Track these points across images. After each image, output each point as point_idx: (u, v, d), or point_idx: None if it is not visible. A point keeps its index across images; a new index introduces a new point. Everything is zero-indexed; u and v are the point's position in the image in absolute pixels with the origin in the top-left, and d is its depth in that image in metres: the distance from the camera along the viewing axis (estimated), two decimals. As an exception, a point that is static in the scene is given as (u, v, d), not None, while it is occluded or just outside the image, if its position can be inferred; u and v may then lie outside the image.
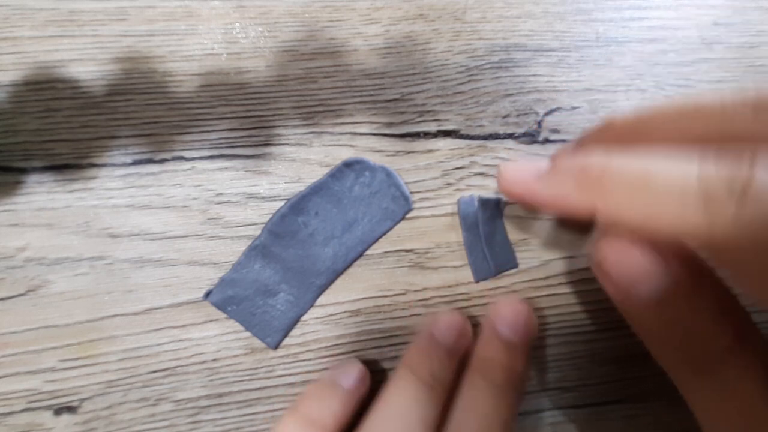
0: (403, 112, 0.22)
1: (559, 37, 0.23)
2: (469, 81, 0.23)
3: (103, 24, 0.20)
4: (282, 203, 0.21)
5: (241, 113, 0.21)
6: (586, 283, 0.23)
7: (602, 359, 0.24)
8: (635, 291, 0.14)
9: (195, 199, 0.21)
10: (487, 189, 0.23)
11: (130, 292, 0.21)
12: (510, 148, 0.23)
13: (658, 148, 0.14)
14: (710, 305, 0.13)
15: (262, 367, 0.21)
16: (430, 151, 0.22)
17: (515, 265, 0.23)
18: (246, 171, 0.21)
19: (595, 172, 0.14)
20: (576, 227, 0.22)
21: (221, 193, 0.21)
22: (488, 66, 0.23)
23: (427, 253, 0.22)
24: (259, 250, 0.21)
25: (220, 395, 0.21)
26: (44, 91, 0.20)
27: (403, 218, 0.22)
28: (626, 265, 0.14)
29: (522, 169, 0.18)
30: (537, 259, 0.23)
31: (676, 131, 0.14)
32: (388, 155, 0.22)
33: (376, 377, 0.21)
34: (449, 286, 0.22)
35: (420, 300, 0.22)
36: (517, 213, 0.23)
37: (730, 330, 0.13)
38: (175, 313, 0.21)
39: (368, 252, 0.22)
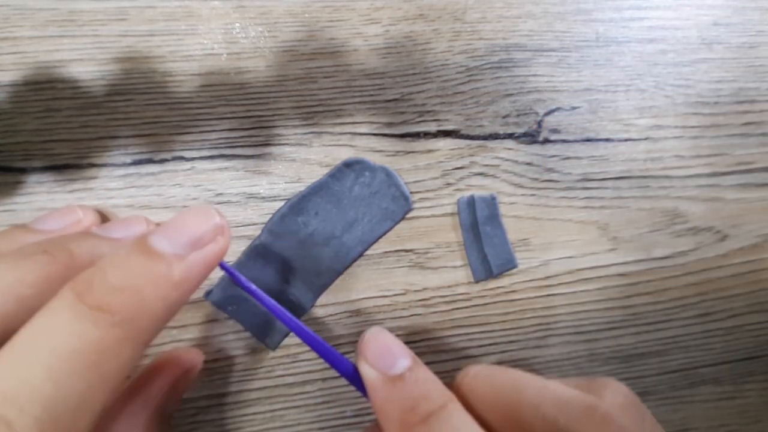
0: (403, 112, 0.22)
1: (559, 37, 0.23)
2: (469, 81, 0.23)
3: (103, 24, 0.20)
4: (282, 203, 0.21)
5: (241, 113, 0.21)
6: (585, 283, 0.23)
7: (602, 359, 0.24)
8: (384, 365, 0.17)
9: (195, 199, 0.21)
10: (487, 189, 0.23)
11: (130, 292, 0.20)
12: (510, 148, 0.23)
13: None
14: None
15: (262, 367, 0.21)
16: (430, 151, 0.22)
17: (515, 265, 0.23)
18: (246, 171, 0.21)
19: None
20: None
21: (221, 193, 0.21)
22: (488, 66, 0.23)
23: (427, 253, 0.22)
24: (259, 250, 0.21)
25: (220, 395, 0.21)
26: (44, 91, 0.20)
27: (403, 218, 0.22)
28: (380, 343, 0.17)
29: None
30: (537, 259, 0.23)
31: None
32: (388, 155, 0.22)
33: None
34: (449, 286, 0.22)
35: (420, 300, 0.22)
36: (516, 213, 0.23)
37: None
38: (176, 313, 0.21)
39: (368, 252, 0.22)
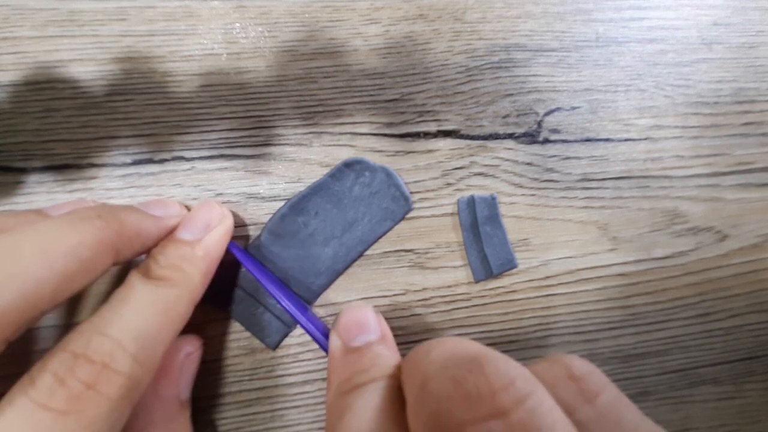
0: (403, 112, 0.22)
1: (559, 37, 0.23)
2: (469, 81, 0.23)
3: (103, 24, 0.20)
4: (282, 203, 0.21)
5: (241, 113, 0.21)
6: (585, 283, 0.23)
7: (602, 359, 0.24)
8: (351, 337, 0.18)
9: (195, 199, 0.21)
10: (487, 189, 0.23)
11: (130, 292, 0.20)
12: (510, 148, 0.23)
13: None
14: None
15: (261, 368, 0.21)
16: (430, 151, 0.22)
17: (515, 265, 0.23)
18: (246, 171, 0.21)
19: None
20: None
21: (221, 193, 0.21)
22: (488, 66, 0.23)
23: (427, 253, 0.22)
24: (258, 250, 0.21)
25: (220, 395, 0.21)
26: (44, 91, 0.20)
27: (403, 218, 0.22)
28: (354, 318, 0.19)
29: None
30: (537, 259, 0.23)
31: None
32: (388, 155, 0.22)
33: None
34: (449, 286, 0.22)
35: (420, 300, 0.22)
36: (516, 213, 0.23)
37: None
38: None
39: (368, 252, 0.22)
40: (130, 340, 0.15)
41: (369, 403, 0.15)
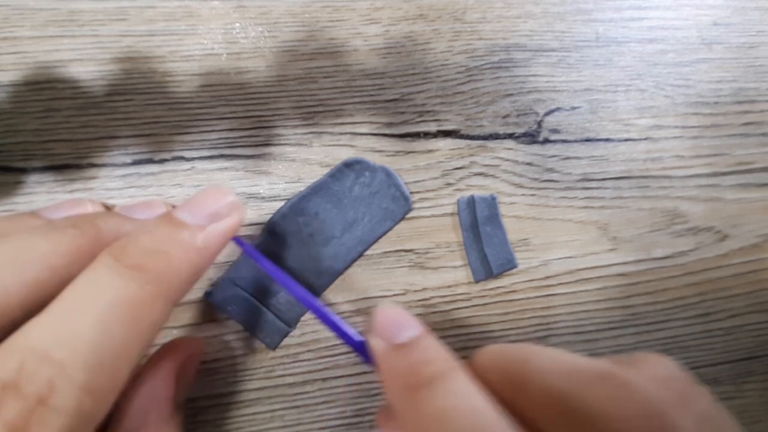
0: (403, 112, 0.22)
1: (559, 37, 0.23)
2: (469, 81, 0.23)
3: (103, 24, 0.20)
4: (282, 203, 0.21)
5: (241, 113, 0.21)
6: (585, 283, 0.23)
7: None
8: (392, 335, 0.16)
9: (195, 199, 0.21)
10: (487, 189, 0.23)
11: (130, 292, 0.20)
12: (510, 148, 0.23)
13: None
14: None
15: (261, 367, 0.21)
16: (430, 151, 0.22)
17: (515, 265, 0.23)
18: (246, 171, 0.21)
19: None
20: None
21: (221, 193, 0.21)
22: (488, 66, 0.23)
23: (427, 253, 0.22)
24: (259, 250, 0.21)
25: (220, 395, 0.21)
26: (44, 91, 0.20)
27: (403, 218, 0.22)
28: (391, 317, 0.17)
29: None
30: (537, 259, 0.23)
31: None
32: (388, 155, 0.22)
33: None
34: (449, 286, 0.22)
35: (420, 300, 0.22)
36: (516, 213, 0.23)
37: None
38: (175, 313, 0.21)
39: (368, 252, 0.22)
40: (79, 364, 0.11)
41: (465, 399, 0.14)
